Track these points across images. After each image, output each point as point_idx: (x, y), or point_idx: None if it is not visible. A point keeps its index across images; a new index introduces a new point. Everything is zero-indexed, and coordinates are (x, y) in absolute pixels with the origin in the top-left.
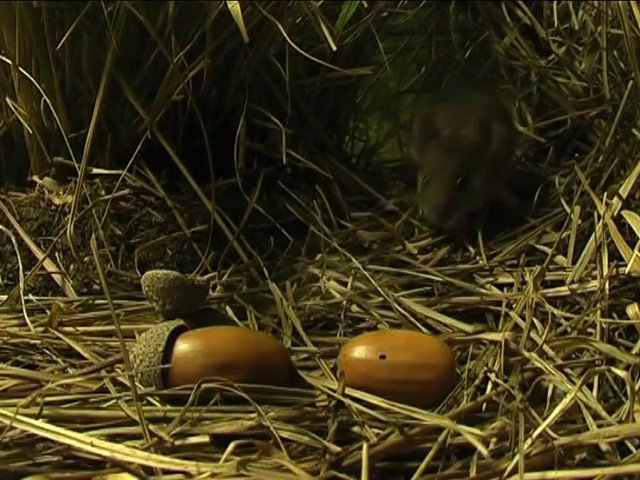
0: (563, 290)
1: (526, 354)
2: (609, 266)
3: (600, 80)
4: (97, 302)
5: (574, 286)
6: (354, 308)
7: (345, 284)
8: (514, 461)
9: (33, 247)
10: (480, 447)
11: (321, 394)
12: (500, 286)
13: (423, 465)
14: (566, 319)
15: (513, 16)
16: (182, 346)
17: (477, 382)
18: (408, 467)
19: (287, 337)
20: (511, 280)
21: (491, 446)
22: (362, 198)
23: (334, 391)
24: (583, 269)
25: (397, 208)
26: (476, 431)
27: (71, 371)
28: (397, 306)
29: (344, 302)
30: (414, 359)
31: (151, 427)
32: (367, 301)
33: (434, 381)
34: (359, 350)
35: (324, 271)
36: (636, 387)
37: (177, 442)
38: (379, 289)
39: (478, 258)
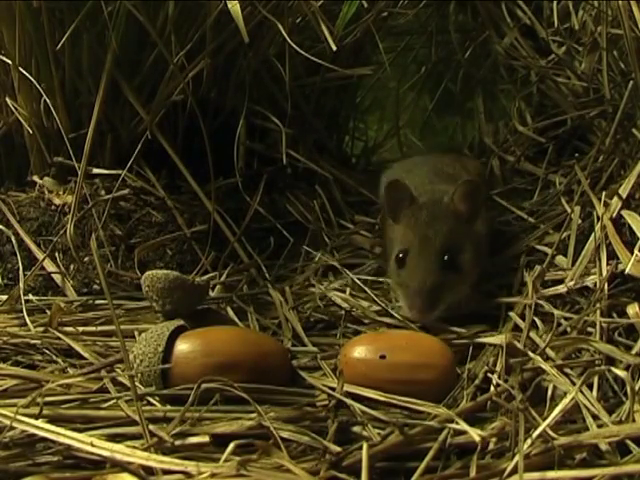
0: (563, 290)
1: (529, 354)
2: (608, 265)
3: (600, 80)
4: (97, 302)
5: (571, 284)
6: (353, 309)
7: (344, 286)
8: (514, 461)
9: (33, 247)
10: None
11: (321, 394)
12: (500, 286)
13: (423, 465)
14: (566, 319)
15: (513, 16)
16: (182, 346)
17: (477, 382)
18: (408, 467)
19: (287, 339)
20: (511, 281)
21: (491, 446)
22: (362, 199)
23: (334, 390)
24: (583, 269)
25: None
26: (477, 430)
27: (71, 371)
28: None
29: (344, 304)
30: (414, 359)
31: (151, 427)
32: (366, 303)
33: (434, 381)
34: (359, 350)
35: (324, 273)
36: (636, 387)
37: (177, 442)
38: (374, 298)
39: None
